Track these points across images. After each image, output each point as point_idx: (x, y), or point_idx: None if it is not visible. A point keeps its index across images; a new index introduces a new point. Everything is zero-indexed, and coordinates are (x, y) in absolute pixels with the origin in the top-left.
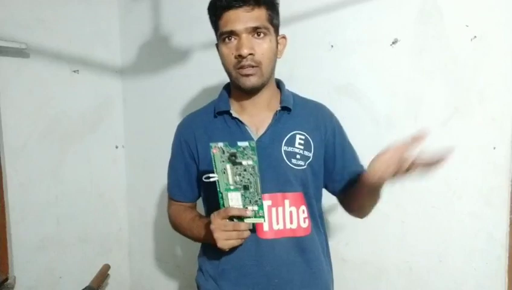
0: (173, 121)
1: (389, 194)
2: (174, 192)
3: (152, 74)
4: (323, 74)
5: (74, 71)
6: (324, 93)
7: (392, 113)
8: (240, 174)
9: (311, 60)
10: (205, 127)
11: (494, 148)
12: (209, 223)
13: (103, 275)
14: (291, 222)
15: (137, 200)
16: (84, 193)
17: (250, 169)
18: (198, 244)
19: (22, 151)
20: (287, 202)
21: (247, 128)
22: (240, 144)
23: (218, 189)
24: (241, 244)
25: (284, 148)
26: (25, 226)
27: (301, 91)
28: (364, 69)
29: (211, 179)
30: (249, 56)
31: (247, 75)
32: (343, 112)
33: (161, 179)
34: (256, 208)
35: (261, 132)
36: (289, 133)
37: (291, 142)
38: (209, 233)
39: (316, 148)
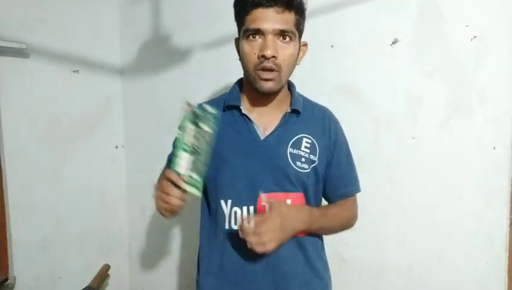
0: (173, 121)
1: (389, 194)
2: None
3: (152, 74)
4: (323, 74)
5: (74, 71)
6: (324, 93)
7: (392, 113)
8: (196, 138)
9: (311, 60)
10: None
11: (494, 148)
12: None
13: (103, 275)
14: None
15: (137, 200)
16: (84, 193)
17: (207, 137)
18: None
19: (22, 151)
20: (288, 201)
21: (255, 126)
22: (205, 106)
23: (176, 145)
24: (175, 212)
25: (289, 150)
26: (25, 226)
27: (301, 91)
28: (364, 69)
29: (176, 136)
30: (272, 58)
31: (267, 80)
32: (343, 112)
33: None
34: (197, 178)
35: (269, 131)
36: (296, 135)
37: (297, 144)
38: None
39: (321, 153)
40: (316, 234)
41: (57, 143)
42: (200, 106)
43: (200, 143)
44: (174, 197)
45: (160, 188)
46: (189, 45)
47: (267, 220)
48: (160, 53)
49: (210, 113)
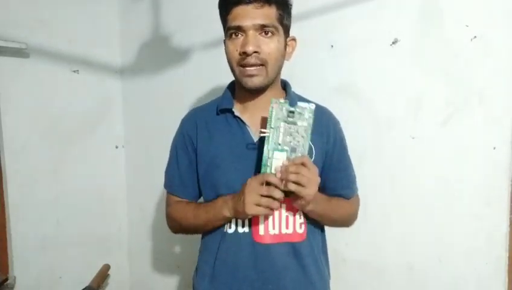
0: (173, 121)
1: (389, 194)
2: (176, 188)
3: (152, 74)
4: (323, 74)
5: (74, 71)
6: (324, 93)
7: (392, 113)
8: (291, 135)
9: (311, 60)
10: (207, 124)
11: (494, 148)
12: (219, 199)
13: (103, 275)
14: (287, 227)
15: (137, 200)
16: (84, 193)
17: (302, 131)
18: (198, 244)
19: (22, 151)
20: (283, 206)
21: (248, 128)
22: (299, 103)
23: (265, 148)
24: (267, 215)
25: None
26: (25, 226)
27: (301, 91)
28: (364, 69)
29: (261, 135)
30: (254, 54)
31: (251, 76)
32: (343, 112)
33: (161, 179)
34: None
35: None
36: None
37: None
38: (219, 208)
39: (317, 154)
40: (315, 239)
41: (57, 143)
42: (289, 102)
43: (297, 139)
44: (275, 202)
45: (257, 191)
46: (189, 45)
47: (308, 164)
48: (160, 53)
49: (304, 108)
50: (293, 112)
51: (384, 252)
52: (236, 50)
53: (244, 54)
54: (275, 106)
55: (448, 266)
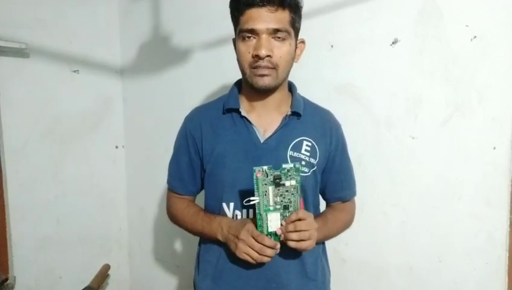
0: (173, 121)
1: (389, 194)
2: (176, 185)
3: (152, 74)
4: (323, 74)
5: (74, 71)
6: (324, 93)
7: (392, 113)
8: (281, 195)
9: (311, 60)
10: (212, 123)
11: (494, 148)
12: (216, 219)
13: (103, 275)
14: None
15: (137, 200)
16: (84, 193)
17: (292, 189)
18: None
19: (22, 151)
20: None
21: (255, 128)
22: (284, 166)
23: (257, 211)
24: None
25: (290, 153)
26: (25, 226)
27: (301, 91)
28: (364, 69)
29: (251, 203)
30: (266, 58)
31: (262, 75)
32: (343, 112)
33: (161, 179)
34: None
35: (268, 134)
36: (296, 138)
37: (297, 147)
38: (214, 229)
39: (320, 156)
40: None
41: (57, 143)
42: (274, 167)
43: (287, 198)
44: (265, 257)
45: (250, 245)
46: (189, 45)
47: (307, 218)
48: (160, 53)
49: (290, 169)
50: (279, 177)
51: (384, 252)
52: (249, 52)
53: (257, 57)
54: (258, 174)
55: (448, 266)
